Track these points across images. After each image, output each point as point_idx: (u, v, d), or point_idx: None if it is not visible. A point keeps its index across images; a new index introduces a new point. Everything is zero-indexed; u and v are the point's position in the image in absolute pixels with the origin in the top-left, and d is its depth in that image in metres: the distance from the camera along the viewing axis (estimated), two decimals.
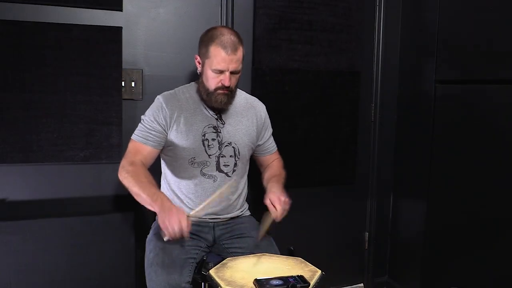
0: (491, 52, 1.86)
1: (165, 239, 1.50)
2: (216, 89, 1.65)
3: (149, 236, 1.74)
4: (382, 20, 2.43)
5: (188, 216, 1.49)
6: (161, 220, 1.47)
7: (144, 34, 2.02)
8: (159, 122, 1.68)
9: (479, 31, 1.91)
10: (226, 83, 1.62)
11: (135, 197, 1.58)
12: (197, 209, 1.58)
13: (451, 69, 2.09)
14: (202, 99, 1.73)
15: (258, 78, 2.19)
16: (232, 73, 1.63)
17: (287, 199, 1.62)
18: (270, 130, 1.91)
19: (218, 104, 1.68)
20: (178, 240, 1.51)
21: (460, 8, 2.00)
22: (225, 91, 1.65)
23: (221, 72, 1.62)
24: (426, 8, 2.28)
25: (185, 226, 1.45)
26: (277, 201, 1.59)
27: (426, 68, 2.27)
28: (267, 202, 1.61)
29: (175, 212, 1.47)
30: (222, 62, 1.60)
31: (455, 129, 2.05)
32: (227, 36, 1.62)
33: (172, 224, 1.44)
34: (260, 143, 1.87)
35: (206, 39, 1.65)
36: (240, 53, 1.63)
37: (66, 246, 1.98)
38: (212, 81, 1.64)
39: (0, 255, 1.90)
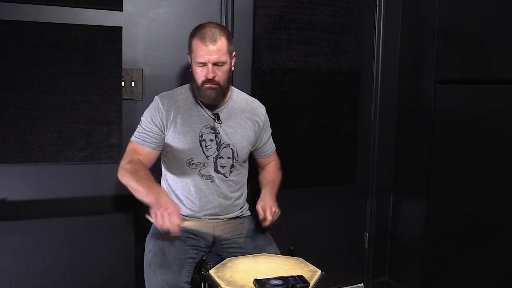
0: (491, 52, 1.85)
1: (150, 219, 1.49)
2: (203, 83, 1.64)
3: (148, 235, 1.74)
4: (382, 20, 2.43)
5: (180, 222, 1.48)
6: (154, 211, 1.46)
7: (144, 34, 2.02)
8: (155, 123, 1.68)
9: (479, 31, 1.91)
10: (209, 75, 1.62)
11: (133, 192, 1.58)
12: (191, 223, 1.56)
13: (451, 69, 2.08)
14: (196, 97, 1.73)
15: (258, 78, 2.19)
16: (215, 65, 1.63)
17: (277, 210, 1.65)
18: (269, 132, 1.91)
19: (207, 99, 1.67)
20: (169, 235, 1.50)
21: (460, 7, 2.00)
22: (212, 85, 1.64)
23: (204, 64, 1.62)
24: (426, 8, 2.28)
25: (175, 225, 1.44)
26: (268, 210, 1.62)
27: (426, 68, 2.27)
28: (258, 208, 1.64)
29: (171, 207, 1.46)
30: (203, 54, 1.61)
31: (455, 129, 2.05)
32: (207, 29, 1.63)
33: (163, 218, 1.43)
34: (259, 145, 1.87)
35: (190, 35, 1.68)
36: (221, 43, 1.62)
37: (66, 246, 1.99)
38: (198, 75, 1.65)
39: (0, 255, 1.90)
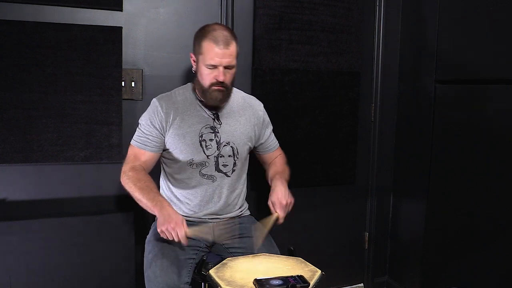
0: (491, 52, 1.85)
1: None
2: (211, 85, 1.64)
3: (148, 236, 1.74)
4: (382, 20, 2.43)
5: (187, 232, 1.51)
6: (159, 227, 1.50)
7: (144, 34, 2.02)
8: (155, 127, 1.69)
9: (479, 31, 1.91)
10: (220, 78, 1.62)
11: (137, 201, 1.61)
12: (193, 231, 1.59)
13: (451, 69, 2.09)
14: (198, 98, 1.73)
15: (258, 78, 2.19)
16: (226, 68, 1.63)
17: (289, 200, 1.63)
18: (270, 127, 1.91)
19: (213, 101, 1.67)
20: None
21: (460, 7, 2.00)
22: (220, 87, 1.65)
23: (214, 67, 1.62)
24: (426, 8, 2.28)
25: (182, 235, 1.47)
26: (278, 205, 1.61)
27: (426, 68, 2.27)
28: (270, 204, 1.64)
29: (174, 219, 1.49)
30: (215, 56, 1.60)
31: (455, 129, 2.05)
32: (219, 31, 1.62)
33: (169, 231, 1.48)
34: (262, 141, 1.87)
35: (199, 36, 1.66)
36: (233, 48, 1.63)
37: (66, 246, 1.99)
38: (206, 77, 1.64)
39: (0, 255, 1.90)
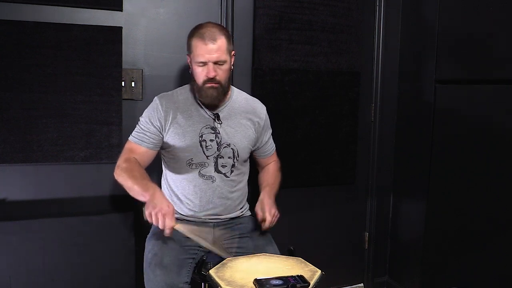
0: (491, 52, 1.85)
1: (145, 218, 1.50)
2: (204, 82, 1.64)
3: (148, 236, 1.74)
4: (382, 20, 2.43)
5: (174, 225, 1.48)
6: (148, 208, 1.47)
7: (144, 34, 2.02)
8: (154, 124, 1.69)
9: (479, 31, 1.91)
10: (211, 74, 1.62)
11: (129, 191, 1.58)
12: (185, 231, 1.57)
13: (451, 69, 2.09)
14: (196, 97, 1.73)
15: (258, 78, 2.19)
16: (216, 64, 1.63)
17: (276, 212, 1.67)
18: (269, 132, 1.91)
19: (208, 99, 1.67)
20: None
21: (460, 8, 2.00)
22: (213, 84, 1.64)
23: (204, 64, 1.63)
24: (426, 8, 2.28)
25: (169, 224, 1.45)
26: (267, 211, 1.64)
27: (426, 68, 2.27)
28: (257, 210, 1.67)
29: (165, 209, 1.46)
30: (204, 53, 1.61)
31: (455, 129, 2.05)
32: (206, 28, 1.63)
33: (156, 216, 1.45)
34: (259, 145, 1.87)
35: (189, 35, 1.68)
36: (221, 42, 1.63)
37: (66, 246, 1.99)
38: (199, 75, 1.65)
39: (0, 255, 1.90)
